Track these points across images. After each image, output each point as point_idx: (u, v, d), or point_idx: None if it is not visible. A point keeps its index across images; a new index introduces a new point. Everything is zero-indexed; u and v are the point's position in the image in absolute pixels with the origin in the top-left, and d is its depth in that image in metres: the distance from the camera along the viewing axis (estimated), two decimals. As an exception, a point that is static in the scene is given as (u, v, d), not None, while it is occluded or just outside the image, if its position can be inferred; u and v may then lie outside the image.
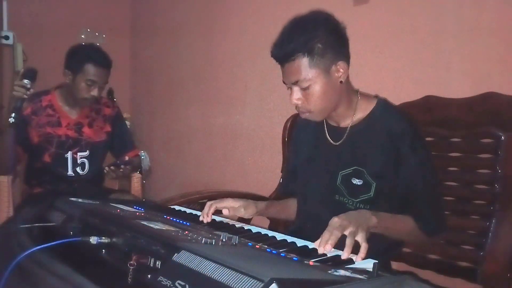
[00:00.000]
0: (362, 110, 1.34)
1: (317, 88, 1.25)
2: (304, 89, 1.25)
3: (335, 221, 1.06)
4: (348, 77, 1.30)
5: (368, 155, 1.30)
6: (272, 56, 1.28)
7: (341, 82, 1.27)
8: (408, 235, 1.30)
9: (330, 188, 1.35)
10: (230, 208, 1.36)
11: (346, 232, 1.03)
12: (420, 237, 1.30)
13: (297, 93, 1.27)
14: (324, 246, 1.00)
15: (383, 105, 1.34)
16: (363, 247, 0.99)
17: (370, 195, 1.29)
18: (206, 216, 1.32)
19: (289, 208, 1.53)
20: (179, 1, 3.34)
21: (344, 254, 0.96)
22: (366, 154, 1.31)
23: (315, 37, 1.21)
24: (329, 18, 1.28)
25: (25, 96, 1.77)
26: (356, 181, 1.30)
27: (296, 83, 1.25)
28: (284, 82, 1.30)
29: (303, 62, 1.22)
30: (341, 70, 1.26)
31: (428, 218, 1.28)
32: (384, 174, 1.28)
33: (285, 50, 1.23)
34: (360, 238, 1.02)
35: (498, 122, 1.38)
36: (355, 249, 0.99)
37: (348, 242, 0.99)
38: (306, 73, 1.23)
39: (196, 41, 3.14)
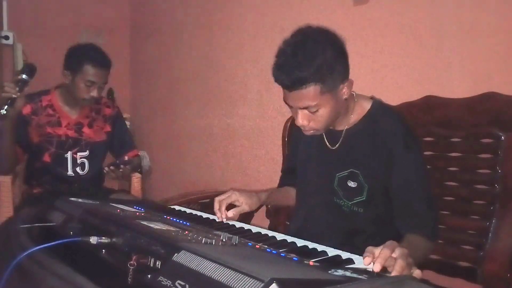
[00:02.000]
0: (358, 113, 1.34)
1: (326, 110, 1.24)
2: (313, 112, 1.24)
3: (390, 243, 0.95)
4: None
5: (363, 157, 1.31)
6: (276, 81, 1.24)
7: (345, 99, 1.28)
8: (425, 253, 1.25)
9: (328, 190, 1.36)
10: (235, 206, 1.39)
11: (395, 254, 0.91)
12: (430, 247, 1.26)
13: (304, 116, 1.26)
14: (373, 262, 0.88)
15: (377, 106, 1.35)
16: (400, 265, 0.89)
17: (363, 197, 1.30)
18: (221, 213, 1.35)
19: (290, 196, 1.56)
20: (179, 1, 3.34)
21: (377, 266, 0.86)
22: (361, 156, 1.31)
23: (324, 63, 1.19)
24: (333, 37, 1.26)
25: (13, 96, 1.76)
26: (351, 184, 1.31)
27: (305, 108, 1.24)
28: (286, 103, 1.27)
29: (314, 90, 1.20)
30: (346, 88, 1.26)
31: (427, 219, 1.26)
32: (377, 175, 1.28)
33: (293, 78, 1.19)
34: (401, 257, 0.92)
35: (498, 122, 1.38)
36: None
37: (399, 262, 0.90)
38: (317, 100, 1.21)
39: (196, 41, 3.14)
